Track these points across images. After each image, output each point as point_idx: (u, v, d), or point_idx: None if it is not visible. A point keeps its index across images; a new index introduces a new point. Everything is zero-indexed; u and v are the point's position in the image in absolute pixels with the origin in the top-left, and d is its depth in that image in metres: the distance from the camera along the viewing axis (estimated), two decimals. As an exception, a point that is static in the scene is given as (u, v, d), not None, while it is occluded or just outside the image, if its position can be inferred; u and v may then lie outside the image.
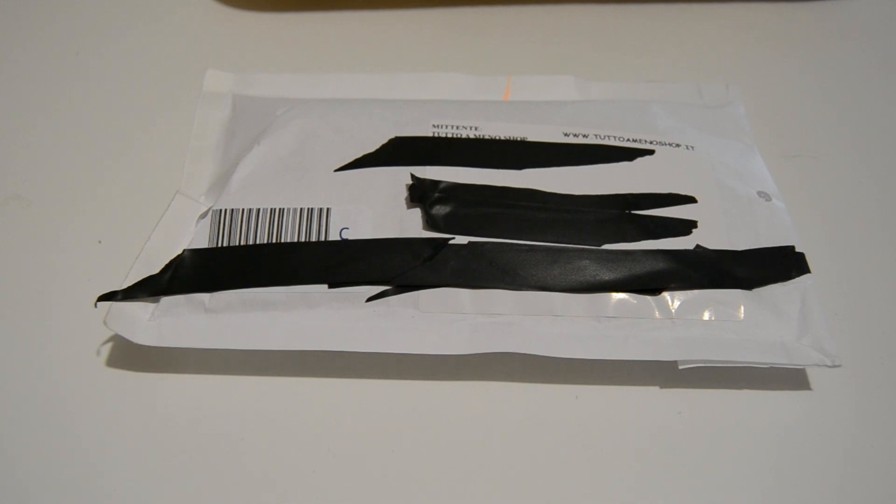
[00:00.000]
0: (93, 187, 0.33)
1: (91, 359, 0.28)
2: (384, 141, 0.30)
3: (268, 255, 0.28)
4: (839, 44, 0.40)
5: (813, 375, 0.28)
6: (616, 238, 0.28)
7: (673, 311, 0.27)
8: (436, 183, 0.29)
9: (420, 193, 0.29)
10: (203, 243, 0.28)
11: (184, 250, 0.28)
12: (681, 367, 0.26)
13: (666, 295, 0.27)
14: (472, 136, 0.31)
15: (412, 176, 0.29)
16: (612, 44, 0.39)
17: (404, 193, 0.29)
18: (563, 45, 0.39)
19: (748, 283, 0.28)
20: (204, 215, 0.29)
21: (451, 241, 0.28)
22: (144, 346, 0.27)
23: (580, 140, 0.31)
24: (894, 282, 0.30)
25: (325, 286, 0.27)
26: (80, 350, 0.28)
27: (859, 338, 0.29)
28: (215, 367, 0.27)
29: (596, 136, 0.31)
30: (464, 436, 0.26)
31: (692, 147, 0.31)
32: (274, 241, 0.28)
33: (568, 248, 0.28)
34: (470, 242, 0.28)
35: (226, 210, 0.29)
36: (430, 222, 0.28)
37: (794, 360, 0.26)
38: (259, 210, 0.29)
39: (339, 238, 0.28)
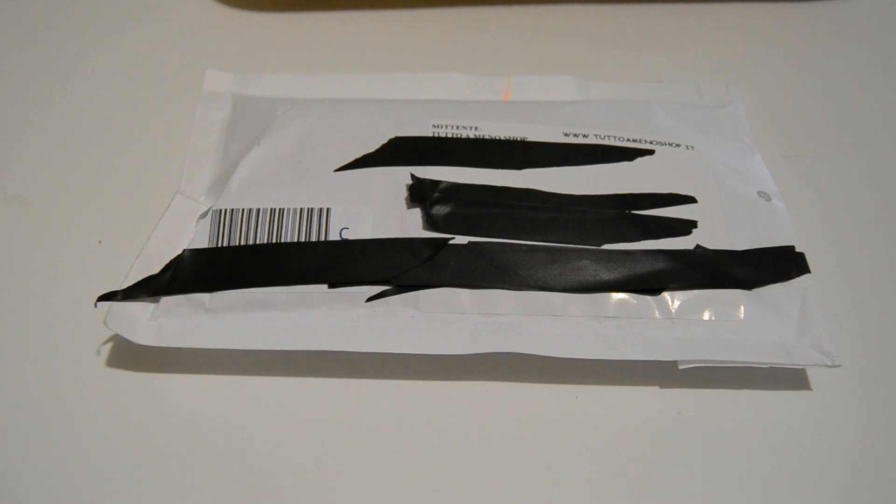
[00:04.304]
0: (93, 187, 0.33)
1: (91, 359, 0.28)
2: (384, 141, 0.30)
3: (268, 255, 0.28)
4: (839, 44, 0.40)
5: (813, 375, 0.28)
6: (616, 238, 0.28)
7: (673, 311, 0.27)
8: (436, 183, 0.29)
9: (420, 193, 0.29)
10: (203, 243, 0.28)
11: (184, 250, 0.28)
12: (681, 367, 0.26)
13: (666, 295, 0.27)
14: (472, 136, 0.31)
15: (412, 176, 0.29)
16: (612, 44, 0.39)
17: (404, 193, 0.29)
18: (563, 45, 0.39)
19: (748, 283, 0.28)
20: (204, 215, 0.29)
21: (451, 241, 0.28)
22: (144, 346, 0.27)
23: (580, 140, 0.31)
24: (894, 282, 0.30)
25: (325, 286, 0.27)
26: (80, 350, 0.28)
27: (859, 338, 0.29)
28: (215, 367, 0.27)
29: (596, 136, 0.31)
30: (464, 436, 0.26)
31: (692, 147, 0.31)
32: (274, 241, 0.28)
33: (568, 248, 0.28)
34: (470, 242, 0.28)
35: (226, 210, 0.29)
36: (430, 222, 0.28)
37: (794, 360, 0.26)
38: (259, 210, 0.29)
39: (339, 238, 0.28)
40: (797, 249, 0.29)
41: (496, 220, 0.28)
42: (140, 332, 0.27)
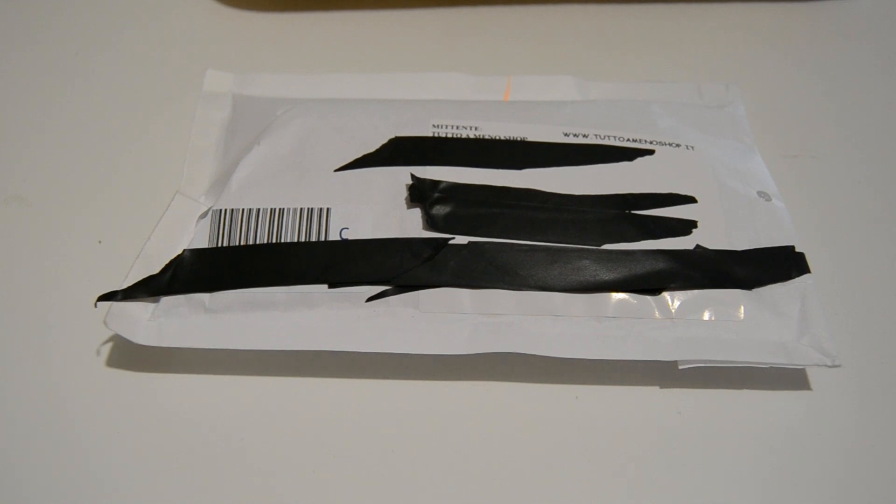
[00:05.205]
0: (93, 187, 0.33)
1: (91, 359, 0.28)
2: (384, 141, 0.30)
3: (268, 255, 0.28)
4: (839, 44, 0.40)
5: (813, 375, 0.28)
6: (616, 238, 0.28)
7: (673, 311, 0.27)
8: (436, 183, 0.29)
9: (420, 193, 0.29)
10: (203, 243, 0.28)
11: (184, 250, 0.28)
12: (681, 367, 0.26)
13: (666, 295, 0.27)
14: (472, 136, 0.31)
15: (412, 176, 0.29)
16: (612, 44, 0.39)
17: (404, 193, 0.29)
18: (563, 45, 0.39)
19: (748, 283, 0.28)
20: (204, 215, 0.29)
21: (451, 241, 0.28)
22: (144, 346, 0.27)
23: (580, 140, 0.31)
24: (894, 282, 0.30)
25: (325, 286, 0.27)
26: (80, 350, 0.28)
27: (859, 338, 0.29)
28: (215, 367, 0.27)
29: (596, 136, 0.31)
30: (464, 436, 0.26)
31: (692, 147, 0.31)
32: (274, 241, 0.28)
33: (568, 248, 0.28)
34: (470, 242, 0.28)
35: (226, 210, 0.29)
36: (430, 222, 0.28)
37: (794, 360, 0.26)
38: (259, 210, 0.29)
39: (339, 238, 0.28)
40: (797, 249, 0.29)
41: (496, 220, 0.28)
42: (140, 332, 0.27)
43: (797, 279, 0.28)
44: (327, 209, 0.28)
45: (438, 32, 0.40)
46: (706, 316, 0.27)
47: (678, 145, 0.31)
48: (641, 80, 0.37)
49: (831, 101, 0.37)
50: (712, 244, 0.28)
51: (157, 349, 0.27)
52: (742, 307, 0.27)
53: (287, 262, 0.28)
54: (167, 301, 0.27)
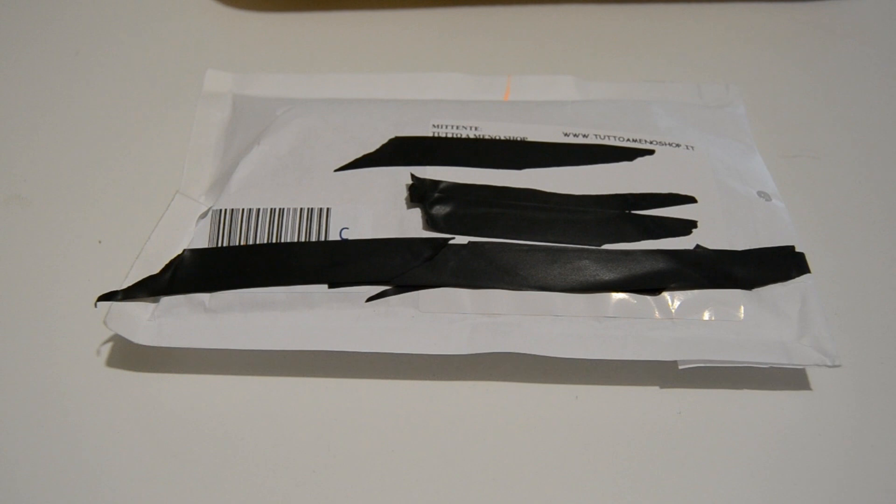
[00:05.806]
0: (93, 187, 0.33)
1: (91, 359, 0.28)
2: (384, 141, 0.30)
3: (268, 255, 0.28)
4: (839, 44, 0.40)
5: (813, 375, 0.28)
6: (616, 238, 0.28)
7: (673, 311, 0.27)
8: (436, 183, 0.29)
9: (420, 193, 0.29)
10: (203, 243, 0.28)
11: (184, 250, 0.28)
12: (681, 367, 0.26)
13: (666, 295, 0.27)
14: (472, 136, 0.31)
15: (412, 176, 0.29)
16: (612, 44, 0.39)
17: (404, 193, 0.29)
18: (563, 45, 0.39)
19: (748, 283, 0.28)
20: (204, 215, 0.29)
21: (451, 241, 0.28)
22: (144, 346, 0.27)
23: (580, 140, 0.31)
24: (894, 282, 0.30)
25: (325, 286, 0.27)
26: (80, 350, 0.28)
27: (859, 338, 0.29)
28: (215, 367, 0.27)
29: (596, 136, 0.31)
30: (464, 436, 0.26)
31: (692, 147, 0.31)
32: (274, 241, 0.28)
33: (568, 248, 0.28)
34: (470, 242, 0.28)
35: (226, 210, 0.29)
36: (430, 222, 0.28)
37: (794, 360, 0.26)
38: (259, 210, 0.29)
39: (339, 238, 0.28)
40: (797, 249, 0.29)
41: (496, 220, 0.28)
42: (140, 332, 0.27)
43: (797, 279, 0.28)
44: (327, 209, 0.28)
45: (438, 32, 0.40)
46: (706, 316, 0.27)
47: (678, 145, 0.31)
48: (641, 80, 0.37)
49: (831, 101, 0.37)
50: (712, 244, 0.28)
51: (157, 349, 0.27)
52: (742, 307, 0.27)
53: (287, 262, 0.28)
54: (167, 301, 0.27)
